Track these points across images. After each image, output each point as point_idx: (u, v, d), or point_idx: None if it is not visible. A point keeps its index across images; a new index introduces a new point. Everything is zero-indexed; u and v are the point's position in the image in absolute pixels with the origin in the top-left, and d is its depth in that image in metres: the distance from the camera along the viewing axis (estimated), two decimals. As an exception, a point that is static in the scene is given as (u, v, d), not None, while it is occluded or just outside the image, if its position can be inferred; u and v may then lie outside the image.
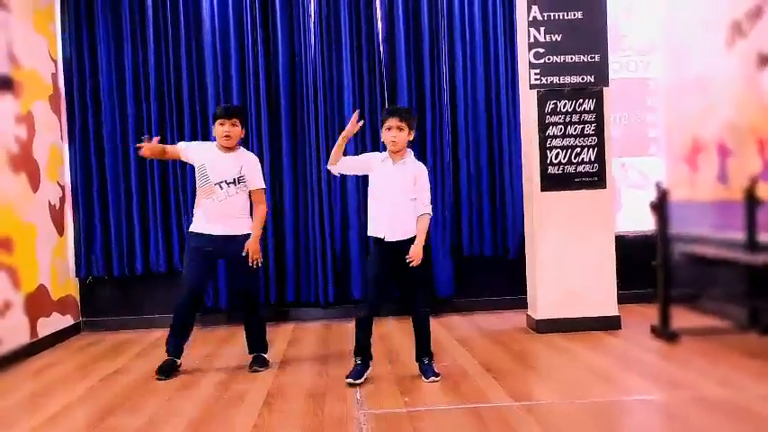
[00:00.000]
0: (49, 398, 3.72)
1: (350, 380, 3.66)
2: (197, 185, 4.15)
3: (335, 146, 3.76)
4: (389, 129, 3.67)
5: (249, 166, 4.16)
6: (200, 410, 3.37)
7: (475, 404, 3.25)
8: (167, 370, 4.03)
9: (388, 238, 3.68)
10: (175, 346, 4.13)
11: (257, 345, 4.26)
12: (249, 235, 4.11)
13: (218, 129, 4.07)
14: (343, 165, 3.80)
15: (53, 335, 5.17)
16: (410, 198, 3.71)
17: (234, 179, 4.07)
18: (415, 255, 3.63)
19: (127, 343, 5.15)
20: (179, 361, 4.15)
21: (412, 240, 3.68)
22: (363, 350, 3.75)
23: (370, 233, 3.79)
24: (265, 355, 4.23)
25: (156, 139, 4.17)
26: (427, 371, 3.73)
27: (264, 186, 4.26)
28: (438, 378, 3.70)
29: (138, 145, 4.16)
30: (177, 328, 4.13)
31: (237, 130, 4.10)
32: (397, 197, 3.70)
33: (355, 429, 2.98)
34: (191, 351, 4.43)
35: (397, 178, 3.71)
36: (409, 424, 3.01)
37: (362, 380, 3.69)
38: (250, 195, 4.18)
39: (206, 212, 4.09)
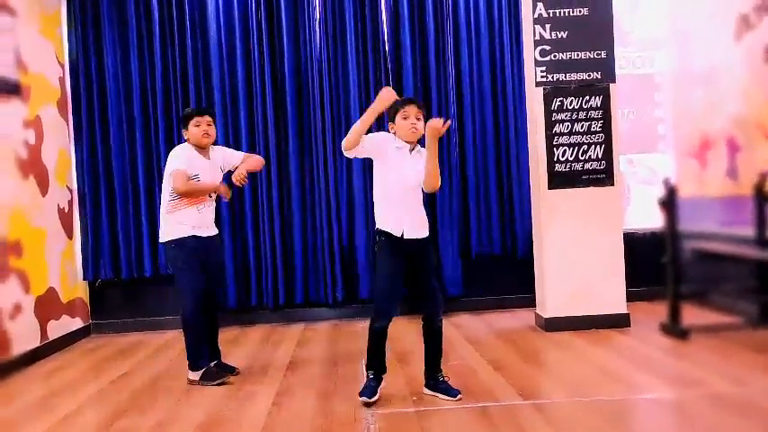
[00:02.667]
0: (60, 400, 3.74)
1: (364, 398, 3.31)
2: (178, 195, 3.86)
3: (361, 122, 3.25)
4: (407, 117, 3.30)
5: (224, 157, 4.10)
6: (209, 411, 3.38)
7: (484, 403, 3.24)
8: (209, 377, 3.88)
9: (408, 236, 3.34)
10: (199, 353, 3.92)
11: (217, 349, 4.15)
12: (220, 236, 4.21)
13: (195, 130, 3.90)
14: (359, 147, 3.29)
15: (63, 337, 5.20)
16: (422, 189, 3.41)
17: (221, 183, 4.06)
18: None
19: (136, 345, 5.17)
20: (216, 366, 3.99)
21: (428, 240, 3.43)
22: (378, 364, 3.42)
23: (383, 227, 3.37)
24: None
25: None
26: (450, 389, 3.36)
27: (244, 153, 4.27)
28: (461, 395, 3.35)
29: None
30: (193, 337, 3.91)
31: (214, 129, 3.99)
32: (416, 189, 3.38)
33: (364, 429, 2.98)
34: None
35: (417, 169, 3.33)
36: (417, 424, 3.01)
37: (377, 397, 3.35)
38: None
39: (192, 220, 3.89)
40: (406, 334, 5.02)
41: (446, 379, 3.45)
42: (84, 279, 5.69)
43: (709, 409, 3.04)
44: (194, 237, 3.90)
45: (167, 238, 3.92)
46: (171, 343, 5.13)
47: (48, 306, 5.02)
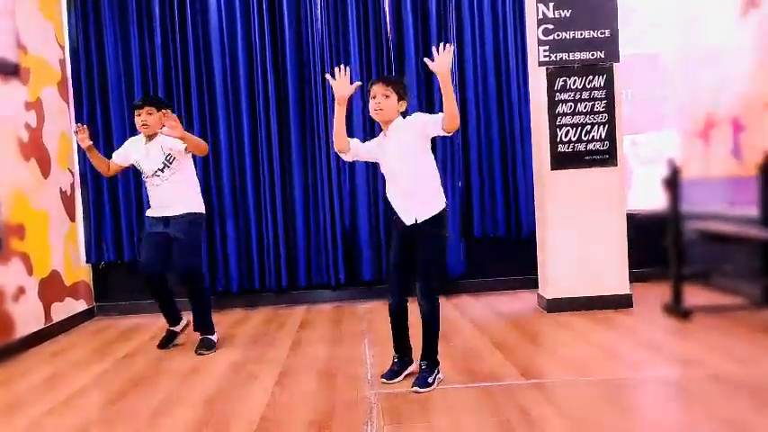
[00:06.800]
0: (64, 381, 3.76)
1: (383, 379, 3.36)
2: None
3: (335, 120, 3.29)
4: (374, 97, 3.21)
5: (170, 138, 4.04)
6: (212, 391, 3.39)
7: (486, 383, 3.25)
8: (165, 341, 4.43)
9: (405, 221, 3.25)
10: (167, 316, 4.42)
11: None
12: (188, 215, 4.16)
13: (137, 120, 4.15)
14: (354, 150, 3.35)
15: (67, 319, 5.22)
16: (419, 161, 3.22)
17: (163, 164, 4.12)
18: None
19: (139, 327, 5.19)
20: (177, 328, 4.46)
21: (429, 222, 3.21)
22: (397, 346, 3.43)
23: (392, 214, 3.37)
24: (212, 337, 4.33)
25: (84, 128, 4.23)
26: (420, 378, 3.24)
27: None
28: (429, 389, 3.20)
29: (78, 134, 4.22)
30: (158, 305, 4.40)
31: (154, 118, 4.13)
32: (404, 167, 3.21)
33: (366, 409, 2.99)
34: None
35: (394, 144, 3.24)
36: (420, 404, 3.02)
37: (399, 379, 3.35)
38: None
39: (150, 200, 4.27)
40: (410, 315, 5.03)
41: (428, 368, 3.30)
42: (87, 262, 5.70)
43: (712, 388, 3.04)
44: (147, 218, 4.28)
45: None
46: (174, 325, 5.14)
47: (51, 288, 5.04)
